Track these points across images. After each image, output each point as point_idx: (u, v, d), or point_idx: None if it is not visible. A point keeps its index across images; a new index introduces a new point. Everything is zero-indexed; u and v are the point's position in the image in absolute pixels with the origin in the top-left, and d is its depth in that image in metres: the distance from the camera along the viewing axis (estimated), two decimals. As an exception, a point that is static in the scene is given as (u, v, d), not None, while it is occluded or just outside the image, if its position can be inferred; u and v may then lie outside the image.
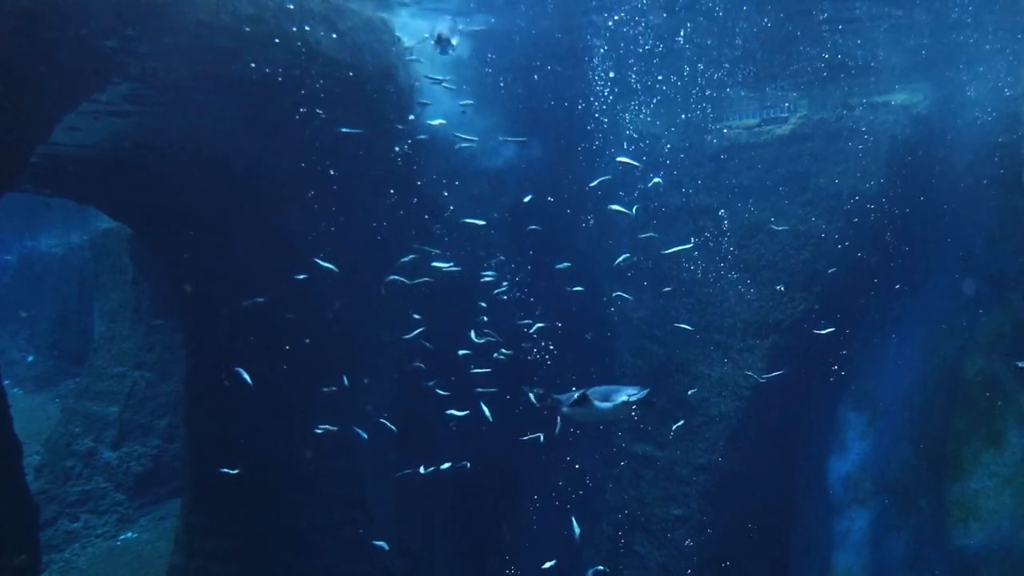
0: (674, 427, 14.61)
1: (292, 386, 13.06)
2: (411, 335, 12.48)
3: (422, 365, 13.22)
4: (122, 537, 17.60)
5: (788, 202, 14.85)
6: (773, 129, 15.43)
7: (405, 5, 13.12)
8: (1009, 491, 14.01)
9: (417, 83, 13.04)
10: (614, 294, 15.09)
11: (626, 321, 16.13)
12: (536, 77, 15.07)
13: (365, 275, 13.12)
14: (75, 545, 17.38)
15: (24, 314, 26.09)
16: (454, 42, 12.44)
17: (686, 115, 15.79)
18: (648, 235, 14.41)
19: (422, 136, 12.96)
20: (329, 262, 11.48)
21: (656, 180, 13.99)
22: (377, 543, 12.76)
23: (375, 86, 12.34)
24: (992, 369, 14.33)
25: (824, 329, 13.64)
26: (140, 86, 9.83)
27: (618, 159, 13.29)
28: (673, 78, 14.94)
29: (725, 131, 15.77)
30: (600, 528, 15.92)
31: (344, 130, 11.54)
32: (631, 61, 14.52)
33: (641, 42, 14.07)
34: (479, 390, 12.56)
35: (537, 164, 14.84)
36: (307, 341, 12.76)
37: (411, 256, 12.69)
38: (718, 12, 13.23)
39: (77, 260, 24.49)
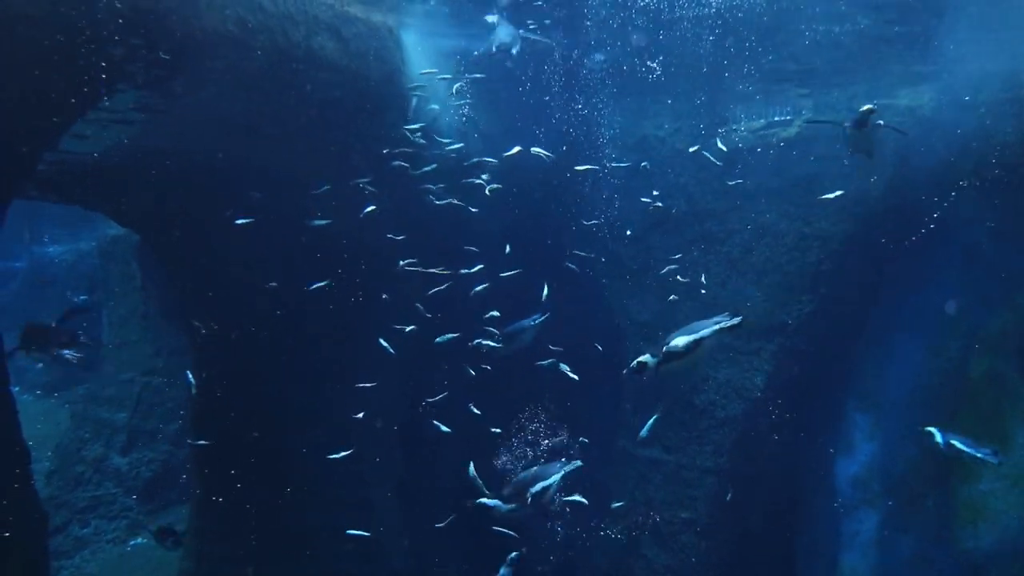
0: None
1: (300, 389, 13.13)
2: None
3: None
4: (132, 543, 17.66)
5: (794, 204, 14.81)
6: (779, 132, 15.40)
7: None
8: (1017, 492, 13.99)
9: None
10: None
11: (631, 324, 16.12)
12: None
13: (372, 279, 13.17)
14: (85, 551, 17.44)
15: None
16: (514, 51, 12.10)
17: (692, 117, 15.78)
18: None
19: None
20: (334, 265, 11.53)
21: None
22: None
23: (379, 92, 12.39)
24: (998, 369, 14.31)
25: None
26: (146, 93, 9.91)
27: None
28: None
29: (732, 134, 15.75)
30: (608, 531, 15.91)
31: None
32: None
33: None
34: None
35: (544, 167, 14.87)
36: (315, 344, 12.82)
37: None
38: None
39: (86, 267, 24.58)
